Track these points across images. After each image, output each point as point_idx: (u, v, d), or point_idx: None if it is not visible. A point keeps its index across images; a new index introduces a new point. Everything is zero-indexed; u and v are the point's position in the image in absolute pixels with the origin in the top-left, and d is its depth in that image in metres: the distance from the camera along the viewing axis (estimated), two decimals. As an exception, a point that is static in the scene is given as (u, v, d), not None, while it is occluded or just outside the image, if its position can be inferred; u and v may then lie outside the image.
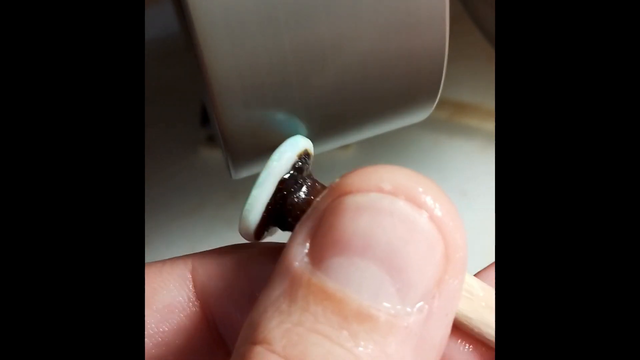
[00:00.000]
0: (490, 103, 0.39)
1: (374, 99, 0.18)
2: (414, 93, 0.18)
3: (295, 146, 0.17)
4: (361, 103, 0.18)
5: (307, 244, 0.15)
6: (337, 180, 0.15)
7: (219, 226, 0.37)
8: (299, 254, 0.15)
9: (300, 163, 0.17)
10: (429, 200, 0.14)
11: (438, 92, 0.18)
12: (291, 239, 0.15)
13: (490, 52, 0.36)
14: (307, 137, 0.18)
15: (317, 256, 0.15)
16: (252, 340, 0.14)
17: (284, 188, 0.17)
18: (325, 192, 0.15)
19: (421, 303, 0.14)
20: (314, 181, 0.17)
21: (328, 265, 0.14)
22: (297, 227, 0.15)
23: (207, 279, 0.18)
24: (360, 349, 0.14)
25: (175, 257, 0.19)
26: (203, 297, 0.18)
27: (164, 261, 0.19)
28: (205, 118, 0.40)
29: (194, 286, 0.18)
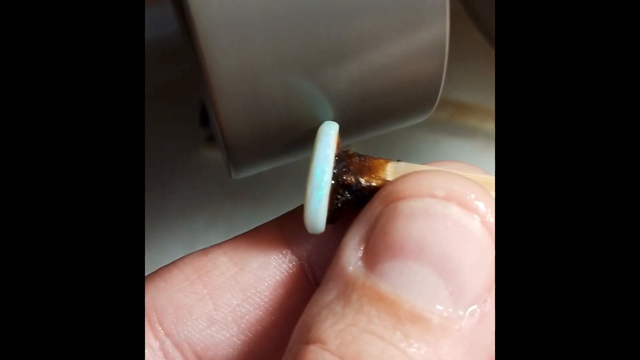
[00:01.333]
0: (490, 103, 0.39)
1: (375, 100, 0.18)
2: (414, 93, 0.18)
3: (332, 136, 0.17)
4: (361, 103, 0.18)
5: (361, 249, 0.15)
6: (387, 183, 0.16)
7: (219, 226, 0.37)
8: (353, 259, 0.15)
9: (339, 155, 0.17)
10: (481, 206, 0.15)
11: (438, 92, 0.18)
12: (344, 243, 0.16)
13: (491, 53, 0.36)
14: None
15: (371, 260, 0.15)
16: (306, 340, 0.15)
17: (339, 163, 0.17)
18: (376, 196, 0.16)
19: (474, 307, 0.15)
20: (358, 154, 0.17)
21: (382, 268, 0.15)
22: (349, 232, 0.16)
23: (299, 235, 0.18)
24: (413, 349, 0.14)
25: (264, 223, 0.19)
26: (298, 253, 0.18)
27: (251, 229, 0.19)
28: (205, 118, 0.40)
29: (287, 243, 0.18)
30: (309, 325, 0.15)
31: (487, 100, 0.39)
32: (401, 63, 0.17)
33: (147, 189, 0.30)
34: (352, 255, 0.15)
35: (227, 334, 0.18)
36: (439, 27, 0.17)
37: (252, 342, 0.18)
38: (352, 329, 0.14)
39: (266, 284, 0.18)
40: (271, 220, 0.19)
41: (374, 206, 0.16)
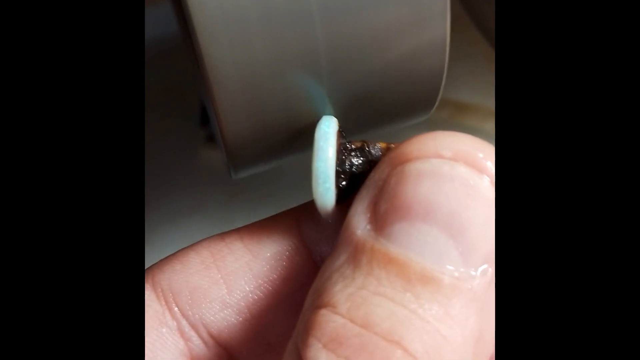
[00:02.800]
0: (490, 103, 0.39)
1: (375, 99, 0.18)
2: (414, 93, 0.18)
3: (333, 119, 0.17)
4: (362, 103, 0.18)
5: (369, 213, 0.15)
6: (393, 148, 0.15)
7: (219, 226, 0.37)
8: (362, 222, 0.15)
9: (341, 135, 0.17)
10: (489, 165, 0.15)
11: (439, 92, 0.18)
12: (352, 208, 0.16)
13: (491, 53, 0.36)
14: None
15: (380, 223, 0.15)
16: (317, 304, 0.15)
17: (340, 151, 0.17)
18: (383, 160, 0.16)
19: (485, 266, 0.14)
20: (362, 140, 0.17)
21: (391, 231, 0.15)
22: (357, 196, 0.16)
23: (312, 228, 0.18)
24: (424, 310, 0.14)
25: (282, 212, 0.19)
26: (310, 244, 0.18)
27: (268, 217, 0.19)
28: (205, 118, 0.40)
29: (301, 235, 0.19)
30: (319, 290, 0.15)
31: (487, 100, 0.39)
32: (402, 62, 0.17)
33: (147, 189, 0.30)
34: (360, 219, 0.15)
35: (240, 318, 0.18)
36: (440, 26, 0.17)
37: (264, 328, 0.19)
38: (362, 291, 0.14)
39: (278, 273, 0.18)
40: (288, 210, 0.19)
41: (381, 170, 0.16)
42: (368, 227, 0.15)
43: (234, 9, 0.15)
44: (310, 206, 0.19)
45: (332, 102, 0.17)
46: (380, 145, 0.17)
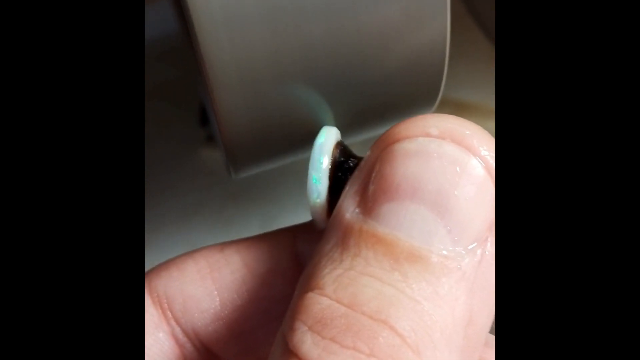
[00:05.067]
0: (491, 102, 0.39)
1: (376, 99, 0.18)
2: (415, 92, 0.18)
3: (332, 130, 0.17)
4: (362, 103, 0.17)
5: (358, 196, 0.15)
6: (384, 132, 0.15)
7: (219, 226, 0.37)
8: (350, 206, 0.15)
9: (340, 146, 0.17)
10: (476, 142, 0.15)
11: (439, 91, 0.18)
12: (343, 194, 0.15)
13: (492, 52, 0.36)
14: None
15: (368, 205, 0.15)
16: (305, 288, 0.14)
17: (337, 161, 0.17)
18: (373, 145, 0.15)
19: (474, 245, 0.14)
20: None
21: (379, 212, 0.14)
22: (349, 181, 0.16)
23: (309, 247, 0.18)
24: (412, 289, 0.14)
25: (280, 229, 0.19)
26: (305, 263, 0.18)
27: (267, 232, 0.19)
28: (205, 118, 0.40)
29: (297, 253, 0.18)
30: (308, 275, 0.15)
31: (487, 99, 0.39)
32: (403, 62, 0.17)
33: (146, 189, 0.30)
34: (349, 202, 0.15)
35: (231, 332, 0.18)
36: (440, 23, 0.16)
37: (255, 343, 0.19)
38: (350, 272, 0.14)
39: (273, 290, 0.18)
40: (286, 228, 0.19)
41: (370, 153, 0.15)
42: (357, 210, 0.15)
43: (234, 9, 0.15)
44: (307, 226, 0.19)
45: (333, 101, 0.17)
46: None
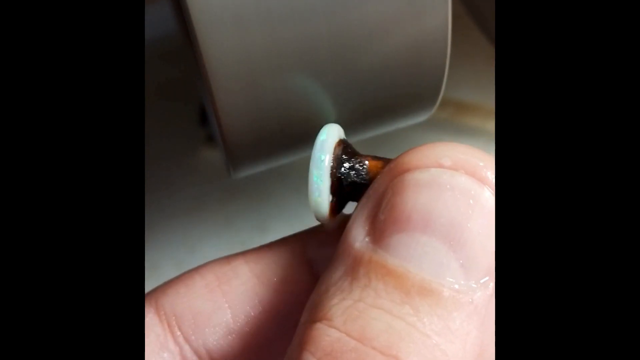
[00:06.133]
0: (491, 103, 0.39)
1: (376, 100, 0.18)
2: (416, 93, 0.18)
3: (334, 127, 0.17)
4: (362, 101, 0.17)
5: (367, 225, 0.15)
6: (394, 160, 0.15)
7: (218, 226, 0.37)
8: (360, 234, 0.15)
9: (343, 144, 0.17)
10: (489, 174, 0.14)
11: (440, 91, 0.18)
12: (351, 220, 0.15)
13: (492, 52, 0.36)
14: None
15: (378, 235, 0.14)
16: (313, 318, 0.14)
17: (339, 159, 0.17)
18: (383, 172, 0.15)
19: (486, 278, 0.14)
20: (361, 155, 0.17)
21: (389, 242, 0.14)
22: (357, 208, 0.15)
23: (319, 253, 0.18)
24: (423, 323, 0.14)
25: (288, 236, 0.19)
26: (316, 269, 0.18)
27: (275, 241, 0.19)
28: (204, 118, 0.40)
29: (307, 260, 0.18)
30: (316, 303, 0.15)
31: (488, 99, 0.39)
32: (403, 62, 0.17)
33: (146, 189, 0.30)
34: (359, 231, 0.15)
35: (244, 345, 0.18)
36: (441, 24, 0.16)
37: (269, 356, 0.18)
38: (359, 304, 0.14)
39: (284, 298, 0.18)
40: (294, 235, 0.19)
41: (380, 181, 0.15)
42: (367, 239, 0.15)
43: (234, 9, 0.15)
44: (316, 230, 0.19)
45: (333, 100, 0.17)
46: (376, 162, 0.17)
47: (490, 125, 0.38)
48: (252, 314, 0.18)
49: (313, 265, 0.18)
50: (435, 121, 0.37)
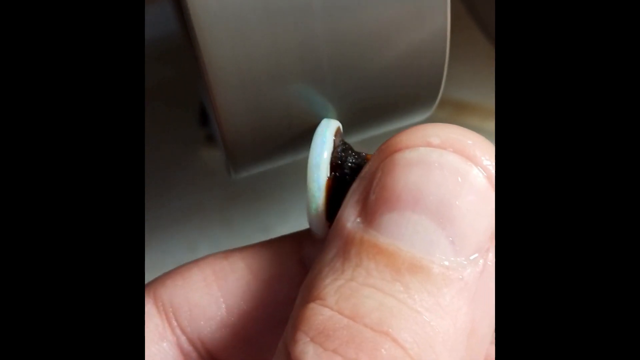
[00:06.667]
0: (491, 102, 0.39)
1: (375, 99, 0.18)
2: (415, 92, 0.18)
3: (331, 122, 0.17)
4: (362, 101, 0.17)
5: (359, 206, 0.15)
6: (385, 142, 0.15)
7: (218, 226, 0.37)
8: (351, 215, 0.15)
9: (340, 140, 0.17)
10: (478, 152, 0.14)
11: (439, 91, 0.18)
12: (344, 202, 0.15)
13: (492, 52, 0.36)
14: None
15: (370, 215, 0.15)
16: (307, 299, 0.14)
17: (337, 156, 0.17)
18: (374, 154, 0.15)
19: (476, 255, 0.14)
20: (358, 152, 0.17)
21: (380, 222, 0.14)
22: (350, 191, 0.16)
23: (314, 253, 0.18)
24: (414, 300, 0.14)
25: (285, 235, 0.19)
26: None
27: (272, 239, 0.19)
28: (205, 118, 0.40)
29: (303, 259, 0.18)
30: (309, 284, 0.15)
31: (487, 99, 0.39)
32: (403, 62, 0.17)
33: (146, 189, 0.30)
34: (350, 212, 0.15)
35: (238, 339, 0.18)
36: (440, 23, 0.16)
37: (262, 350, 0.18)
38: (352, 283, 0.14)
39: (279, 295, 0.18)
40: (291, 234, 0.19)
41: (371, 163, 0.15)
42: (358, 219, 0.15)
43: (234, 8, 0.15)
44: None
45: (333, 100, 0.17)
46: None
47: (490, 125, 0.38)
48: (246, 308, 0.18)
49: (307, 263, 0.18)
50: (434, 121, 0.37)
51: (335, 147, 0.17)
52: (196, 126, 0.40)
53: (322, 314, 0.14)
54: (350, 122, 0.18)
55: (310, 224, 0.17)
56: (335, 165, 0.17)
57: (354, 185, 0.16)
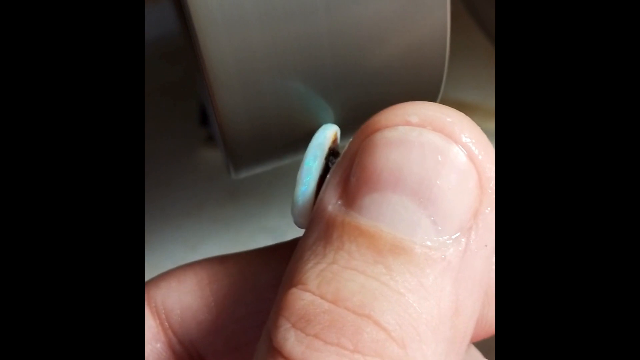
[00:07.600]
0: (491, 102, 0.39)
1: (376, 97, 0.18)
2: (415, 92, 0.18)
3: (329, 128, 0.17)
4: (362, 102, 0.17)
5: (340, 188, 0.15)
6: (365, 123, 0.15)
7: (218, 226, 0.37)
8: (332, 198, 0.15)
9: (335, 147, 0.17)
10: (457, 129, 0.14)
11: (439, 91, 0.18)
12: (324, 185, 0.15)
13: (492, 52, 0.36)
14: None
15: (351, 197, 0.14)
16: (288, 285, 0.14)
17: (329, 164, 0.17)
18: (354, 135, 0.15)
19: (458, 234, 0.14)
20: None
21: (361, 203, 0.14)
22: (330, 172, 0.15)
23: None
24: (396, 281, 0.13)
25: (281, 242, 0.19)
26: None
27: (268, 246, 0.19)
28: (205, 118, 0.40)
29: None
30: (292, 270, 0.15)
31: (487, 99, 0.39)
32: (402, 62, 0.17)
33: (146, 189, 0.30)
34: (331, 194, 0.15)
35: (228, 345, 0.18)
36: (440, 23, 0.16)
37: (251, 357, 0.18)
38: (333, 267, 0.14)
39: (270, 304, 0.18)
40: (288, 241, 0.19)
41: (351, 143, 0.15)
42: (339, 202, 0.15)
43: (234, 8, 0.15)
44: None
45: (333, 100, 0.17)
46: None
47: (490, 125, 0.38)
48: (238, 315, 0.18)
49: None
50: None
51: (328, 155, 0.17)
52: (196, 126, 0.40)
53: (303, 298, 0.14)
54: (351, 122, 0.18)
55: (294, 215, 0.17)
56: (327, 170, 0.17)
57: (335, 167, 0.15)
